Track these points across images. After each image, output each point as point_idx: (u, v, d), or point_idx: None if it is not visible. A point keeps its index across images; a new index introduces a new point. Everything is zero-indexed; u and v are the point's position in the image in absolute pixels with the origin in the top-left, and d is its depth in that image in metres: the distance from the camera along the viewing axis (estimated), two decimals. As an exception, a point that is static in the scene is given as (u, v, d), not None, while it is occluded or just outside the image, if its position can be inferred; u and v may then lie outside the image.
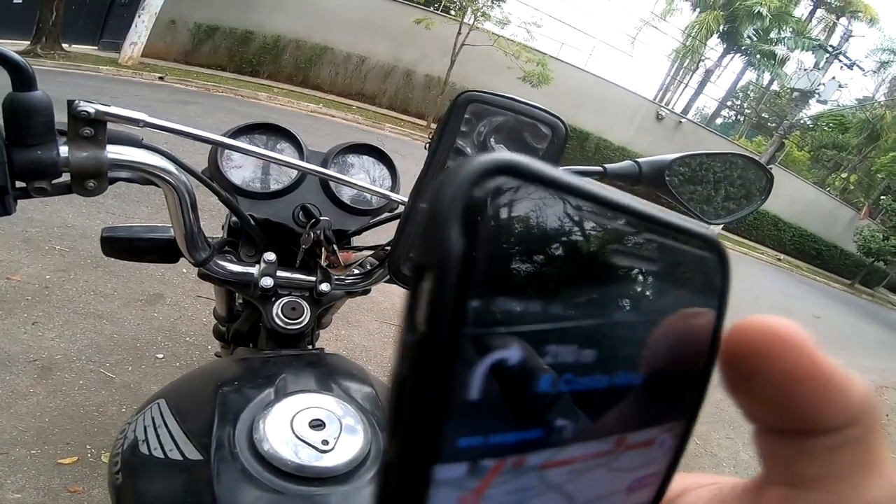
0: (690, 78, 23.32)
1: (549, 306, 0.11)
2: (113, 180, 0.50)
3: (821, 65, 16.82)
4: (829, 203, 18.26)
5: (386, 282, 0.72)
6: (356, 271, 0.74)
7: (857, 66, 16.61)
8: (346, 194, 0.73)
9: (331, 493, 0.43)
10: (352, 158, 0.77)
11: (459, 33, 10.86)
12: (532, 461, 0.12)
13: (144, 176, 0.52)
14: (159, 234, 0.69)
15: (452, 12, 12.91)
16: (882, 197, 19.84)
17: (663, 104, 17.95)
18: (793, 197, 16.24)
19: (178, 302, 2.24)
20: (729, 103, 27.20)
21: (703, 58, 21.66)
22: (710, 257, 0.15)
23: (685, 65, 21.94)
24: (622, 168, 0.70)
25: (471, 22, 11.01)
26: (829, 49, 16.67)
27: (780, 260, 14.99)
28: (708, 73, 23.09)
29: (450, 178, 0.10)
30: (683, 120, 16.06)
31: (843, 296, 13.44)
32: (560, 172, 0.11)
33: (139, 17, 9.06)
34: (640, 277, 0.13)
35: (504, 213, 0.10)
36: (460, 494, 0.11)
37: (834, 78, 15.92)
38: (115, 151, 0.48)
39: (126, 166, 0.50)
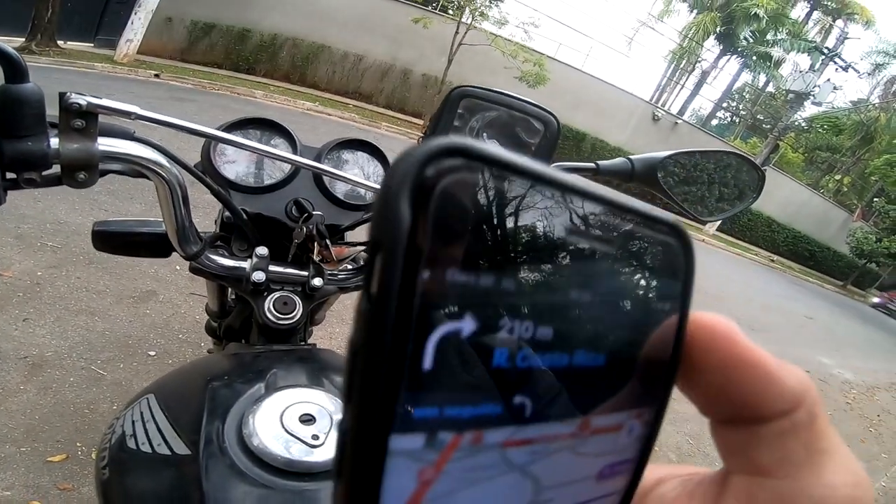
0: (687, 79, 23.41)
1: (503, 282, 0.12)
2: (104, 172, 0.50)
3: (816, 67, 16.92)
4: (822, 205, 18.39)
5: None
6: (349, 266, 0.74)
7: (853, 68, 16.72)
8: (339, 189, 0.73)
9: (321, 489, 0.42)
10: (346, 154, 0.77)
11: (457, 32, 10.85)
12: (491, 438, 0.12)
13: (135, 168, 0.52)
14: (151, 229, 0.69)
15: (451, 12, 12.88)
16: (875, 199, 20.04)
17: (659, 105, 18.03)
18: (787, 199, 16.35)
19: (172, 299, 2.22)
20: (724, 105, 27.34)
21: (699, 59, 21.74)
22: (672, 242, 0.16)
23: (682, 66, 22.03)
24: (615, 165, 0.70)
25: (469, 21, 11.01)
26: (825, 51, 16.78)
27: (773, 261, 15.08)
28: (704, 75, 23.16)
29: (402, 159, 0.10)
30: (679, 121, 16.14)
31: (835, 297, 13.55)
32: (513, 155, 0.11)
33: (135, 14, 9.00)
34: (597, 259, 0.14)
35: (454, 192, 0.10)
36: (419, 466, 0.11)
37: (829, 80, 16.05)
38: (106, 144, 0.48)
39: (117, 158, 0.49)
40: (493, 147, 0.11)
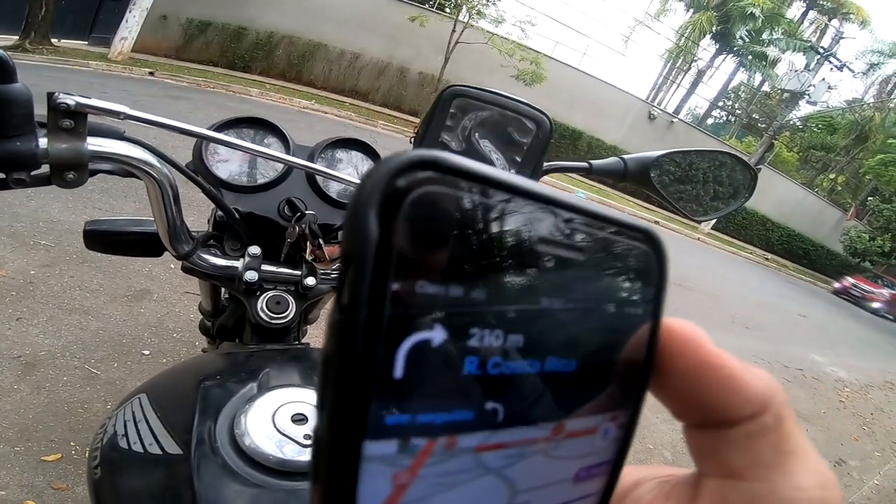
0: (683, 78, 23.47)
1: (472, 291, 0.12)
2: (93, 172, 0.49)
3: (811, 66, 16.99)
4: (816, 204, 18.49)
5: None
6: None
7: (848, 67, 16.80)
8: (333, 189, 0.73)
9: None
10: (339, 153, 0.77)
11: (454, 31, 10.84)
12: (465, 443, 0.12)
13: (125, 168, 0.51)
14: (143, 228, 0.68)
15: (448, 10, 12.87)
16: (869, 198, 20.13)
17: (655, 104, 18.07)
18: (781, 198, 16.43)
19: (166, 298, 2.22)
20: (720, 104, 27.41)
21: (695, 58, 21.78)
22: (646, 249, 0.16)
23: (678, 65, 22.07)
24: (608, 164, 0.70)
25: (465, 20, 11.00)
26: (820, 50, 16.84)
27: (767, 259, 15.16)
28: (700, 74, 23.22)
29: (373, 171, 0.11)
30: (675, 120, 16.18)
31: (828, 296, 13.62)
32: (484, 167, 0.12)
33: (130, 12, 8.95)
34: (568, 267, 0.14)
35: (424, 204, 0.11)
36: (393, 471, 0.11)
37: (824, 79, 16.11)
38: (95, 143, 0.48)
39: (107, 158, 0.49)
40: (464, 160, 0.11)
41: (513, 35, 11.85)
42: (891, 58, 20.72)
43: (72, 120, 0.45)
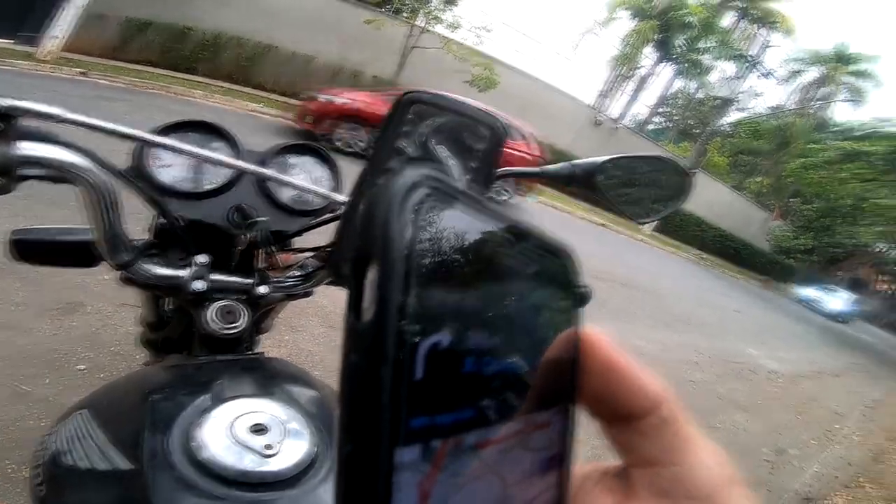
0: (626, 85, 24.54)
1: (463, 297, 0.13)
2: (23, 178, 0.46)
3: (740, 74, 18.18)
4: (745, 205, 19.84)
5: (328, 283, 0.71)
6: (296, 273, 0.73)
7: (773, 75, 18.13)
8: (285, 195, 0.71)
9: (278, 498, 0.42)
10: (292, 158, 0.75)
11: (410, 35, 10.83)
12: (469, 441, 0.13)
13: (59, 174, 0.48)
14: (76, 237, 0.64)
15: (405, 14, 12.80)
16: (791, 200, 21.76)
17: (601, 110, 18.79)
18: (714, 200, 17.52)
19: (101, 310, 2.08)
20: (661, 110, 28.88)
21: (638, 66, 22.80)
22: (565, 260, 0.18)
23: (622, 72, 23.03)
24: (557, 169, 0.73)
25: (422, 24, 11.06)
26: (749, 58, 18.05)
27: (703, 258, 16.08)
28: (642, 81, 24.34)
29: (392, 181, 0.12)
30: (619, 126, 16.90)
31: (759, 291, 14.63)
32: (468, 190, 0.14)
33: (63, 9, 8.36)
34: (521, 277, 0.16)
35: (430, 216, 0.12)
36: (418, 478, 0.11)
37: (752, 87, 17.32)
38: (25, 148, 0.45)
39: (37, 163, 0.46)
40: (455, 183, 0.13)
41: (468, 41, 12.01)
42: (811, 66, 22.45)
43: (1, 123, 0.42)
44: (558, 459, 0.18)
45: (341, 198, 0.66)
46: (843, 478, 3.19)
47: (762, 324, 8.43)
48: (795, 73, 22.95)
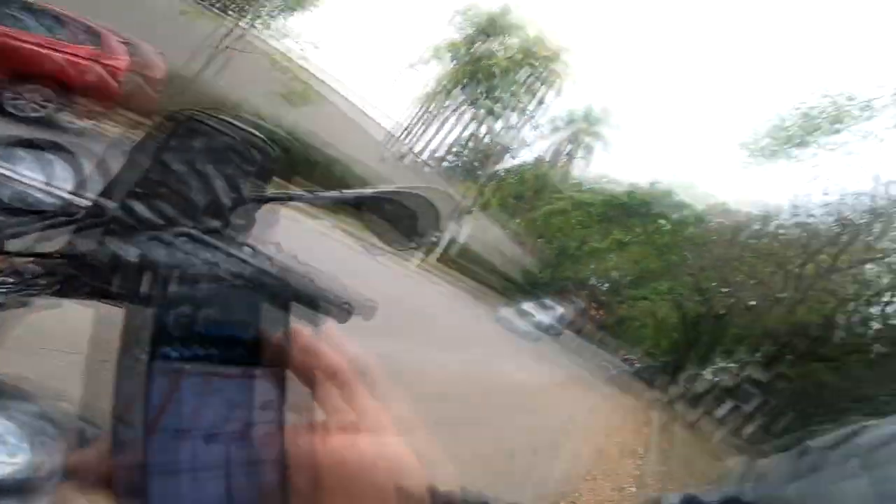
0: (432, 122, 26.34)
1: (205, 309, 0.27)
2: None
3: (518, 125, 21.56)
4: (508, 243, 23.33)
5: (53, 295, 0.58)
6: (10, 280, 0.58)
7: (540, 129, 22.00)
8: (3, 192, 0.58)
9: None
10: (21, 152, 0.63)
11: (228, 35, 9.98)
12: (206, 369, 0.25)
13: None
14: None
15: (231, 12, 11.60)
16: (539, 240, 25.77)
17: (406, 144, 20.28)
18: (486, 238, 20.19)
19: None
20: (455, 149, 31.92)
21: (444, 105, 25.02)
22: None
23: (429, 109, 24.86)
24: (327, 196, 0.70)
25: (247, 25, 10.27)
26: (527, 112, 21.49)
27: (476, 288, 18.26)
28: (444, 120, 26.46)
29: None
30: (419, 160, 18.51)
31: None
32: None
33: None
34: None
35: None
36: (169, 377, 0.24)
37: (524, 139, 20.85)
38: None
39: None
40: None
41: (293, 53, 11.50)
42: (568, 124, 27.15)
43: None
44: (275, 404, 0.27)
45: (81, 200, 0.58)
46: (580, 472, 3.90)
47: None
48: (555, 129, 27.44)
